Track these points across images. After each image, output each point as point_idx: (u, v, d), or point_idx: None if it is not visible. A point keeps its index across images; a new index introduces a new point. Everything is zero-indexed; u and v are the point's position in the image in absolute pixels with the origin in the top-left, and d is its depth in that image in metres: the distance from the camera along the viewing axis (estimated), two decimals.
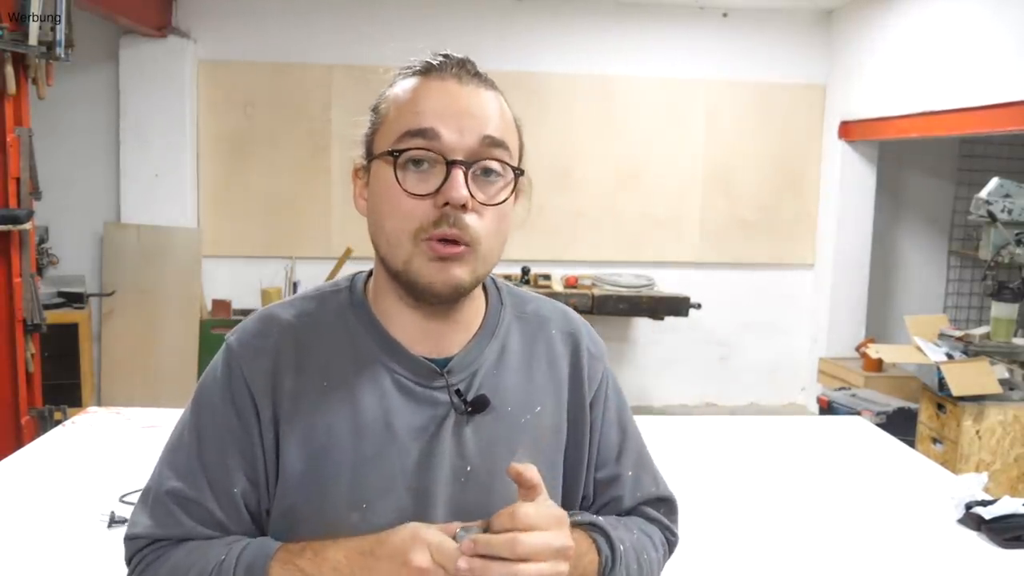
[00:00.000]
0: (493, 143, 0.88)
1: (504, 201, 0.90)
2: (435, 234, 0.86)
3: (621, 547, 0.95)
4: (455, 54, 0.92)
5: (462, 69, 0.90)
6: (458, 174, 0.85)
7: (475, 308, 0.98)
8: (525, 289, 1.10)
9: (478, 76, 0.91)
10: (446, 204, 0.85)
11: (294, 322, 0.95)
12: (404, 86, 0.91)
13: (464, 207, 0.86)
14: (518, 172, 0.91)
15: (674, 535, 1.08)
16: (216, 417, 0.92)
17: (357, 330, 0.95)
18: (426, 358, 0.94)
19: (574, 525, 0.92)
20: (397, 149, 0.87)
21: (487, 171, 0.88)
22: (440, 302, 0.91)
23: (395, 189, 0.87)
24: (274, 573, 0.86)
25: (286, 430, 0.91)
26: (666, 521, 1.06)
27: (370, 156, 0.92)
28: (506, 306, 1.02)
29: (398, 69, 0.94)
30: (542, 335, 1.02)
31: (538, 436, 0.96)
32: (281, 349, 0.93)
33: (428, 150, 0.86)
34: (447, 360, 0.95)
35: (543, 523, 0.80)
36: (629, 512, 1.06)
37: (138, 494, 0.99)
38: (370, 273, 0.99)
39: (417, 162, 0.87)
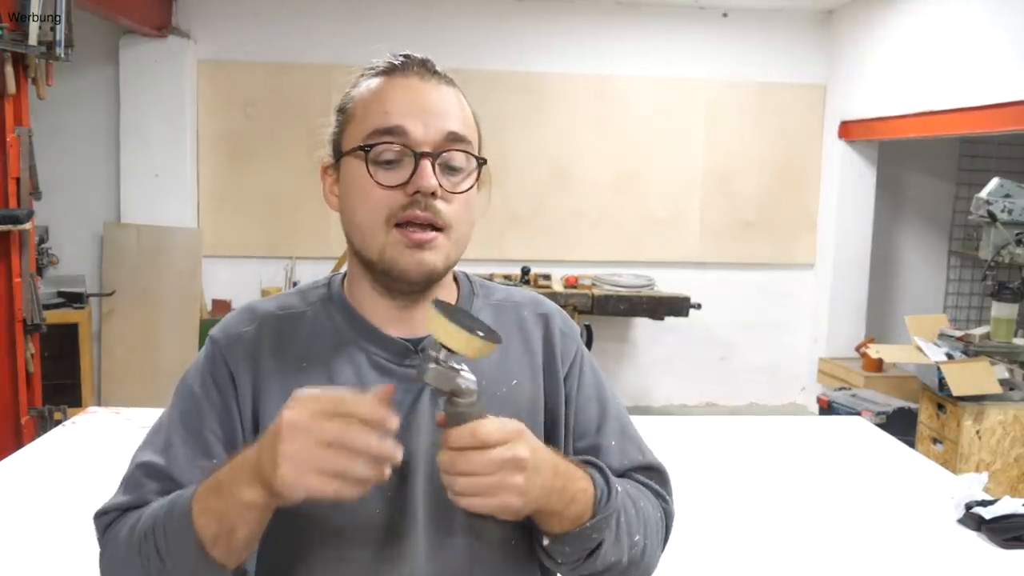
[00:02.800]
0: (456, 138, 0.94)
1: (469, 188, 0.96)
2: (406, 216, 0.92)
3: (617, 487, 0.95)
4: (416, 54, 0.98)
5: (423, 68, 0.97)
6: (426, 164, 0.92)
7: (446, 294, 1.03)
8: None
9: (438, 74, 0.98)
10: (416, 192, 0.91)
11: (275, 312, 1.01)
12: (369, 86, 0.97)
13: (433, 195, 0.92)
14: (481, 162, 0.97)
15: (667, 503, 1.07)
16: (195, 397, 0.96)
17: (334, 318, 1.00)
18: (401, 339, 0.98)
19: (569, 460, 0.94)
20: (368, 145, 0.93)
21: (451, 166, 0.94)
22: (413, 289, 0.96)
23: (367, 182, 0.93)
24: (197, 495, 0.85)
25: (264, 405, 0.95)
26: (656, 487, 1.06)
27: (339, 154, 0.98)
28: (477, 295, 1.07)
29: (362, 70, 1.00)
30: (514, 316, 1.06)
31: (516, 409, 0.97)
32: (261, 334, 0.98)
33: (398, 145, 0.92)
34: (421, 340, 0.98)
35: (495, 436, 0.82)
36: None
37: None
38: (346, 274, 1.05)
39: (387, 160, 0.93)
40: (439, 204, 0.92)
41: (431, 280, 0.96)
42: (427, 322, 0.82)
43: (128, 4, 4.52)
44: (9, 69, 3.06)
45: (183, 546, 0.83)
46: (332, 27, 5.25)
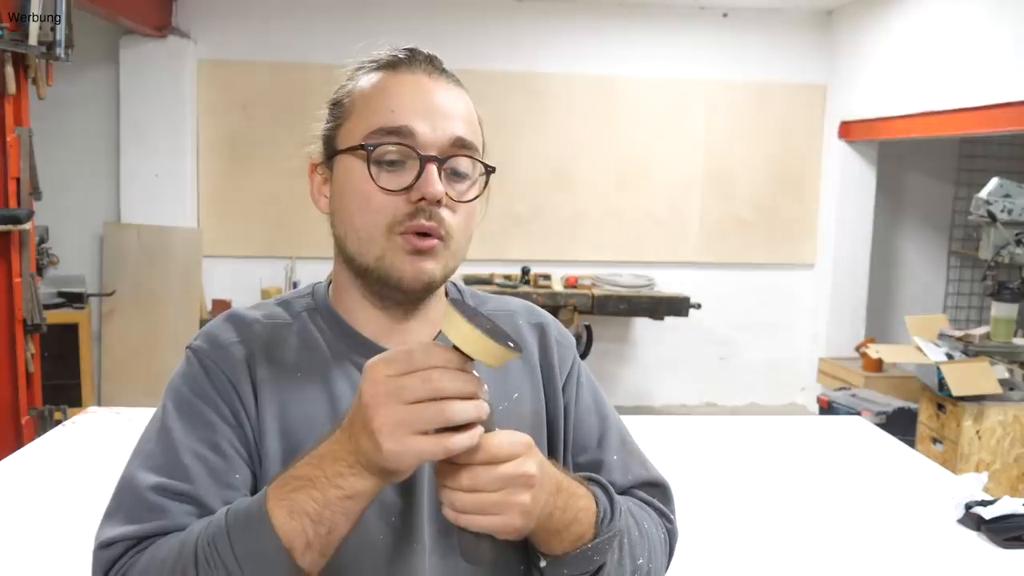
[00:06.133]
0: (463, 144, 0.88)
1: (475, 198, 0.91)
2: (411, 226, 0.86)
3: (621, 507, 0.91)
4: (422, 49, 0.92)
5: (431, 64, 0.91)
6: (432, 169, 0.85)
7: (440, 305, 0.97)
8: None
9: (446, 72, 0.92)
10: (420, 199, 0.85)
11: (262, 320, 0.94)
12: (371, 80, 0.91)
13: (439, 202, 0.86)
14: (490, 169, 0.92)
15: (671, 522, 1.02)
16: (197, 408, 0.88)
17: (324, 330, 0.94)
18: None
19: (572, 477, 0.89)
20: (371, 144, 0.86)
21: (457, 172, 0.89)
22: (408, 299, 0.91)
23: (367, 185, 0.86)
24: (271, 498, 0.77)
25: (264, 416, 0.89)
26: (660, 505, 1.02)
27: (332, 152, 0.91)
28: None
29: (359, 62, 0.94)
30: (510, 327, 1.01)
31: (518, 423, 0.94)
32: (251, 343, 0.91)
33: (403, 146, 0.86)
34: None
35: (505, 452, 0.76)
36: None
37: None
38: (329, 282, 0.99)
39: (389, 161, 0.87)
40: (443, 212, 0.87)
41: (428, 290, 0.90)
42: (444, 322, 0.73)
43: (128, 4, 4.52)
44: (9, 69, 3.06)
45: (266, 561, 0.75)
46: (332, 27, 5.25)
